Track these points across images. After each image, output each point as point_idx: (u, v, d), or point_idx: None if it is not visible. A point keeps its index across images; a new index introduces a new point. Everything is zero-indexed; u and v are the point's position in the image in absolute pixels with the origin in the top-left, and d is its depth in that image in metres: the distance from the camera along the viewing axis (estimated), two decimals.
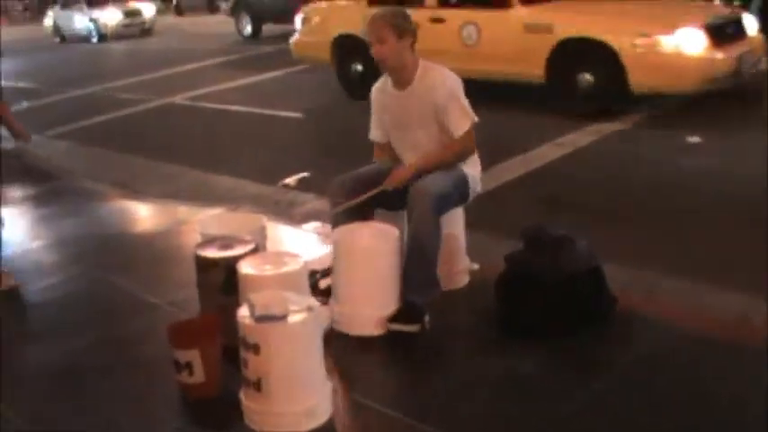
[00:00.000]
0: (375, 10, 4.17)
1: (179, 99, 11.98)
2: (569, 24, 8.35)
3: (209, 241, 3.92)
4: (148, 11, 26.96)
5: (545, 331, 3.61)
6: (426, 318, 3.81)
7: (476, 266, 4.35)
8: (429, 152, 4.06)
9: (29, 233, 6.05)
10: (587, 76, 8.20)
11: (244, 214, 5.50)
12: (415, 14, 4.43)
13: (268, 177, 6.83)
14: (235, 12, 21.02)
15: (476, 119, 4.04)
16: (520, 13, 8.70)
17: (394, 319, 3.79)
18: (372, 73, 4.48)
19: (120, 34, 25.26)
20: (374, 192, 4.03)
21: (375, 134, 4.37)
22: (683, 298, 4.01)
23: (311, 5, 11.80)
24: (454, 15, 9.23)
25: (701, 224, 5.05)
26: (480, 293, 4.09)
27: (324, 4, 11.66)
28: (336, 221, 4.08)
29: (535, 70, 8.48)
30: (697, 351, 3.49)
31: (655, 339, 3.62)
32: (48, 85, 15.26)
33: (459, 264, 4.30)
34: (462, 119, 4.01)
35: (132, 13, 26.34)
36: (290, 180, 6.69)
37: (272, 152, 8.28)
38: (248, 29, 20.45)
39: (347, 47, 10.19)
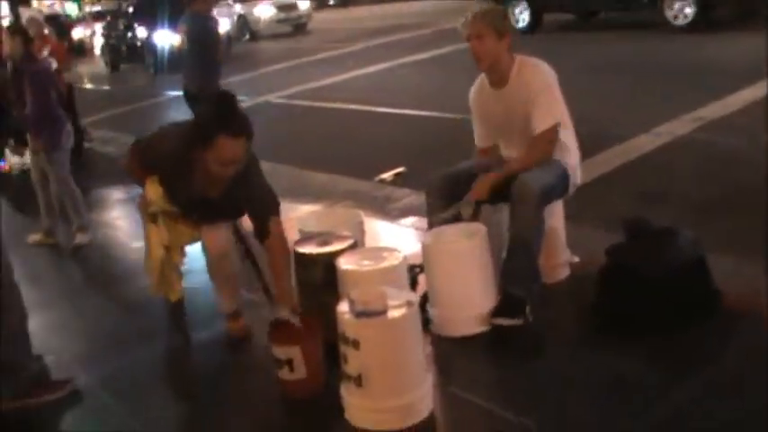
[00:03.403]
0: None
1: None
2: None
3: (307, 238, 3.96)
4: (303, 4, 24.63)
5: (646, 325, 3.51)
6: (528, 310, 3.77)
7: (576, 259, 4.28)
8: (510, 161, 4.04)
9: (129, 234, 6.21)
10: None
11: (341, 210, 5.53)
12: None
13: None
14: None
15: (559, 120, 3.95)
16: None
17: (496, 313, 3.76)
18: None
19: (272, 31, 23.46)
20: (454, 209, 3.99)
21: (478, 139, 4.34)
22: None
23: None
24: None
25: None
26: (581, 286, 4.01)
27: None
28: (435, 222, 4.05)
29: None
30: None
31: (760, 336, 3.43)
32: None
33: (560, 256, 4.24)
34: (546, 115, 3.92)
35: (286, 7, 24.18)
36: (387, 175, 6.71)
37: None
38: (525, 19, 15.49)
39: None
